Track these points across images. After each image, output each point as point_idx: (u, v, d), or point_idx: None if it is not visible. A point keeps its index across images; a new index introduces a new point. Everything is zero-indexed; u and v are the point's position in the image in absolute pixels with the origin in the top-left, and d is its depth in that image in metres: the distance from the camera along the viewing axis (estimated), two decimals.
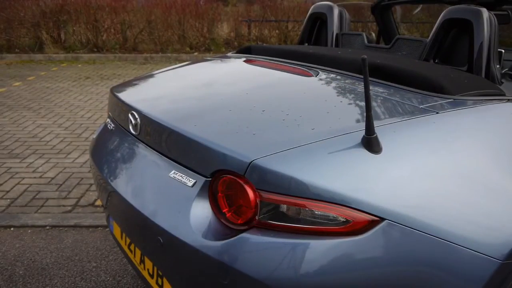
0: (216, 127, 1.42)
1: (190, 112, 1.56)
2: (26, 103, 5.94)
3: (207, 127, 1.41)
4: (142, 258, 1.56)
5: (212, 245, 1.19)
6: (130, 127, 1.68)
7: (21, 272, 2.36)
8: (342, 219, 1.13)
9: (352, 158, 1.20)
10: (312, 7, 2.90)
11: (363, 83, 1.25)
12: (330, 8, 2.76)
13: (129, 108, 1.69)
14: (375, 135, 1.19)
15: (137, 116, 1.62)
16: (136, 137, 1.68)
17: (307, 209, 1.14)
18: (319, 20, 2.89)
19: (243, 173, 1.18)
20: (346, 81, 1.76)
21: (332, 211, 1.13)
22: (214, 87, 1.87)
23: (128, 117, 1.68)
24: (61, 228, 2.85)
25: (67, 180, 3.52)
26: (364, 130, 1.20)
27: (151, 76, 2.27)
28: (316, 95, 1.68)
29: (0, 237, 2.71)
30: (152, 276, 1.52)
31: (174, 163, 1.43)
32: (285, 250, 1.13)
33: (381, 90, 1.60)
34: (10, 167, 3.76)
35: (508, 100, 1.57)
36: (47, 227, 2.86)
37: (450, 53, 2.26)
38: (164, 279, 1.44)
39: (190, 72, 2.26)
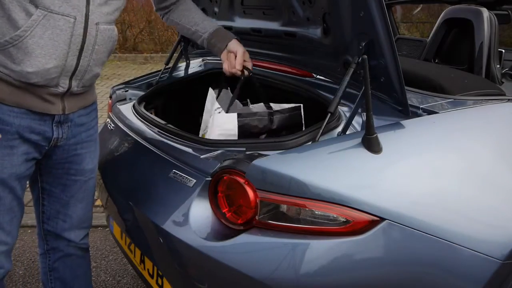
0: None
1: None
2: None
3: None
4: (142, 258, 1.56)
5: (212, 245, 1.19)
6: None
7: (21, 272, 2.36)
8: (342, 219, 1.13)
9: (352, 158, 1.20)
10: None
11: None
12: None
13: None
14: (375, 135, 1.19)
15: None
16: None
17: (307, 209, 1.14)
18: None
19: (243, 173, 1.18)
20: None
21: (332, 211, 1.13)
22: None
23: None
24: None
25: None
26: (364, 130, 1.20)
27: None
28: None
29: None
30: (152, 276, 1.52)
31: (175, 163, 1.43)
32: (285, 250, 1.13)
33: None
34: None
35: (508, 100, 1.57)
36: None
37: (450, 53, 2.26)
38: (164, 279, 1.44)
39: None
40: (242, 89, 1.70)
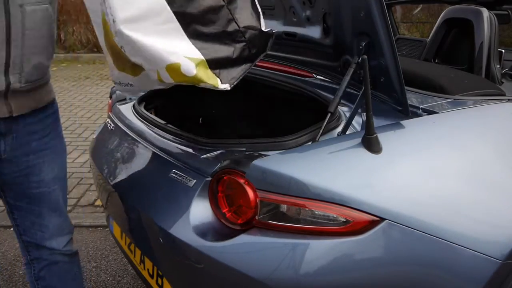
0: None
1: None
2: None
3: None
4: (142, 258, 1.56)
5: (212, 245, 1.19)
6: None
7: (21, 272, 2.36)
8: (342, 219, 1.13)
9: (352, 158, 1.20)
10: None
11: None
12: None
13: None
14: (375, 135, 1.19)
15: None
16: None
17: (307, 209, 1.14)
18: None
19: (243, 173, 1.18)
20: None
21: (332, 211, 1.13)
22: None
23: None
24: None
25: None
26: (364, 130, 1.20)
27: None
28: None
29: (0, 237, 2.70)
30: (152, 276, 1.52)
31: (175, 163, 1.43)
32: (285, 250, 1.13)
33: None
34: None
35: (508, 100, 1.57)
36: None
37: (450, 53, 2.26)
38: (164, 279, 1.44)
39: None
40: (243, 90, 1.70)
